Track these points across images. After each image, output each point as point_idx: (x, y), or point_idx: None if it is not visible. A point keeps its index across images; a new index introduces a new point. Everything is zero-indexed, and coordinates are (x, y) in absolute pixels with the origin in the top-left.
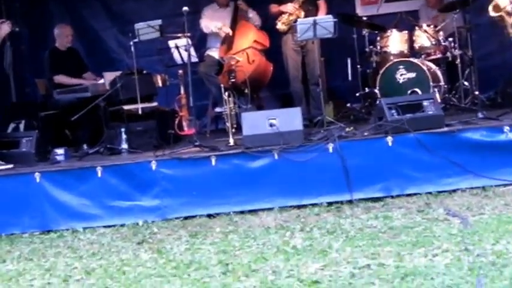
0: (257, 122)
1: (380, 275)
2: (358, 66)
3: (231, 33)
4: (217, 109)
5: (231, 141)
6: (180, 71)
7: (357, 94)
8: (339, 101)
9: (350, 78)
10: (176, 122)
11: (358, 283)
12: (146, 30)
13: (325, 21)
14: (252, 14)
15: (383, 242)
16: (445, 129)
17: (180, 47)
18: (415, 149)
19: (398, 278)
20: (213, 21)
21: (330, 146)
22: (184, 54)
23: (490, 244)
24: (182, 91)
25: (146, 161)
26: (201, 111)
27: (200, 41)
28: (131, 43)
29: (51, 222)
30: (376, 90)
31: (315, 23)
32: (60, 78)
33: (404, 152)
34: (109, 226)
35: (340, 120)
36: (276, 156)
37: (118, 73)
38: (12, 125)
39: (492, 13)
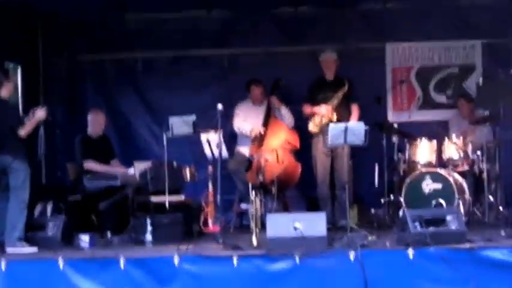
0: (282, 224)
1: None
2: (385, 173)
3: (263, 132)
4: (243, 206)
5: (254, 241)
6: (210, 167)
7: (382, 200)
8: (363, 206)
9: (377, 184)
10: (202, 217)
11: None
12: (180, 124)
13: (357, 128)
14: (284, 111)
15: None
16: (467, 245)
17: (212, 142)
18: (436, 264)
19: None
20: (246, 120)
21: (352, 254)
22: (215, 150)
23: None
24: (210, 187)
25: (169, 255)
26: (226, 206)
27: (231, 137)
28: (164, 136)
29: None
30: (401, 199)
31: (346, 129)
32: (90, 165)
33: (425, 265)
34: None
35: (363, 226)
36: (298, 261)
37: (148, 163)
38: (39, 206)
39: None
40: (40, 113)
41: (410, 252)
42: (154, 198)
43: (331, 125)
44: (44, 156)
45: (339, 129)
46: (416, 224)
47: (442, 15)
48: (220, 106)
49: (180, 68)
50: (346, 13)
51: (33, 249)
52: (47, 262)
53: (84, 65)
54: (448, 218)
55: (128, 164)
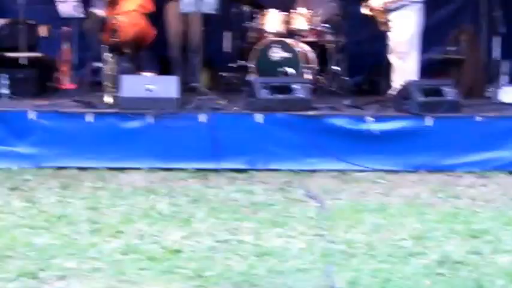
0: (135, 85)
1: (238, 251)
2: (236, 40)
3: None
4: (97, 64)
5: (108, 99)
6: (66, 28)
7: (231, 65)
8: (214, 70)
9: (227, 49)
10: (57, 75)
11: (217, 257)
12: None
13: None
14: None
15: (243, 217)
16: (312, 112)
17: (67, 2)
18: (282, 128)
19: (254, 256)
20: None
21: (202, 116)
22: (71, 9)
23: (342, 231)
24: (65, 46)
25: (25, 110)
26: (81, 63)
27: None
28: None
29: None
30: (251, 64)
31: None
32: None
33: (271, 129)
34: None
35: (213, 89)
36: (150, 120)
37: (4, 20)
38: None
39: (364, 11)
40: None
41: (259, 116)
42: (10, 54)
43: None
44: None
45: None
46: (265, 90)
47: None
48: None
49: None
50: None
51: None
52: None
53: None
54: (295, 86)
55: None
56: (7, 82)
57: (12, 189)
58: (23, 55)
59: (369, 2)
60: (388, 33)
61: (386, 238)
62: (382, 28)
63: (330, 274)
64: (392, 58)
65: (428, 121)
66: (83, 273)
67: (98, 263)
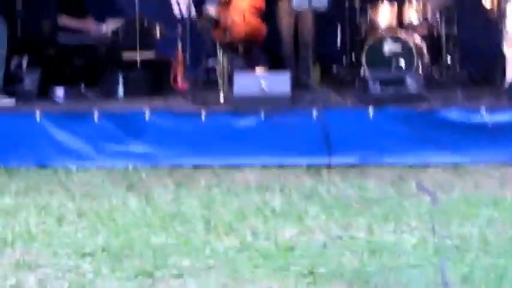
0: (248, 82)
1: (351, 246)
2: (348, 35)
3: None
4: (210, 62)
5: (222, 98)
6: (179, 28)
7: (344, 60)
8: (325, 64)
9: (339, 44)
10: (172, 75)
11: (330, 253)
12: None
13: None
14: None
15: (356, 213)
16: (425, 106)
17: (181, 2)
18: (394, 122)
19: (367, 252)
20: None
21: (314, 112)
22: (184, 10)
23: (455, 226)
24: (180, 47)
25: (140, 110)
26: (194, 62)
27: None
28: None
29: (47, 158)
30: (363, 59)
31: None
32: (64, 20)
33: (384, 124)
34: (100, 168)
35: (325, 84)
36: (263, 117)
37: (120, 20)
38: (15, 60)
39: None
40: None
41: (371, 110)
42: (126, 54)
43: None
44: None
45: None
46: (377, 84)
47: None
48: None
49: None
50: None
51: (11, 101)
52: (24, 114)
53: None
54: (408, 79)
55: (101, 20)
56: (123, 82)
57: (129, 188)
58: (138, 55)
59: None
60: (504, 24)
61: (501, 232)
62: (497, 18)
63: (444, 270)
64: (506, 49)
65: None
66: (198, 272)
67: (212, 261)
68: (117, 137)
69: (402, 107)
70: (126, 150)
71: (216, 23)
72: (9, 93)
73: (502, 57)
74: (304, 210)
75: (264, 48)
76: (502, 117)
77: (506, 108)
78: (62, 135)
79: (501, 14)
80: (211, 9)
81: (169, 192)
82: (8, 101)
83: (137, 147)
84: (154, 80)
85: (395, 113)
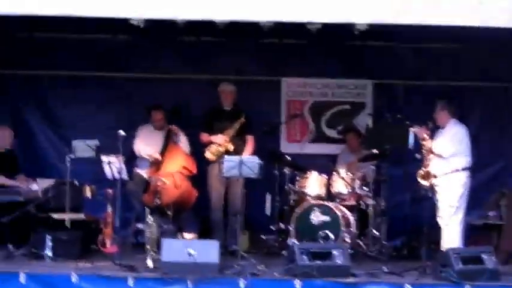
0: (176, 249)
1: None
2: (276, 202)
3: (160, 159)
4: (139, 225)
5: (150, 263)
6: (110, 190)
7: (272, 228)
8: (255, 232)
9: (268, 212)
10: (100, 237)
11: None
12: (83, 148)
13: (251, 161)
14: (183, 139)
15: None
16: (351, 279)
17: (112, 164)
18: None
19: None
20: (147, 143)
21: (242, 282)
22: (115, 172)
23: None
24: (109, 209)
25: (67, 273)
26: (124, 224)
27: (131, 158)
28: (67, 158)
29: None
30: (291, 228)
31: (241, 162)
32: None
33: None
34: None
35: (253, 252)
36: (190, 286)
37: (51, 180)
38: None
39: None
40: None
41: (298, 283)
42: (55, 215)
43: (226, 157)
44: None
45: (233, 161)
46: (304, 256)
47: (337, 53)
48: (122, 132)
49: (85, 86)
50: (245, 45)
51: None
52: None
53: None
54: (335, 252)
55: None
56: (51, 244)
57: None
58: (67, 217)
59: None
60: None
61: None
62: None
63: None
64: (440, 220)
65: None
66: None
67: None
68: None
69: (328, 279)
70: None
71: (146, 185)
72: None
73: (428, 231)
74: None
75: (193, 213)
76: None
77: (431, 284)
78: None
79: (433, 187)
80: (142, 172)
81: None
82: None
83: None
84: (82, 242)
85: (322, 285)
